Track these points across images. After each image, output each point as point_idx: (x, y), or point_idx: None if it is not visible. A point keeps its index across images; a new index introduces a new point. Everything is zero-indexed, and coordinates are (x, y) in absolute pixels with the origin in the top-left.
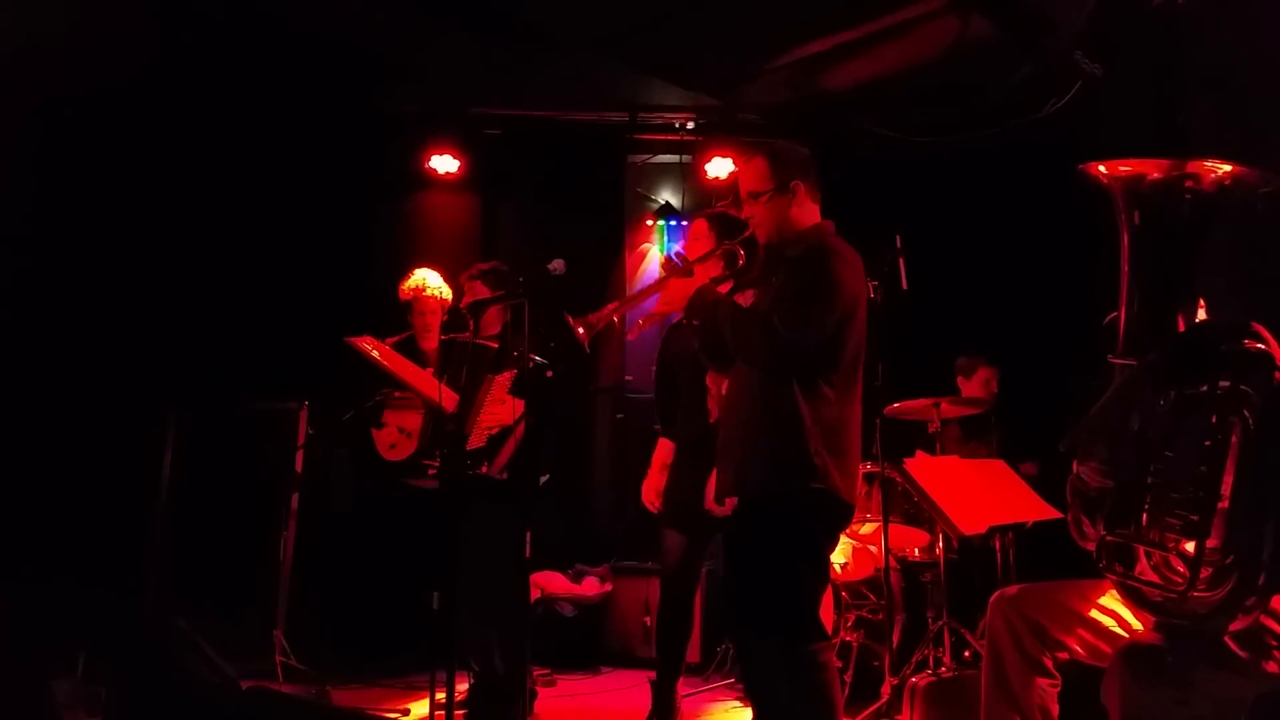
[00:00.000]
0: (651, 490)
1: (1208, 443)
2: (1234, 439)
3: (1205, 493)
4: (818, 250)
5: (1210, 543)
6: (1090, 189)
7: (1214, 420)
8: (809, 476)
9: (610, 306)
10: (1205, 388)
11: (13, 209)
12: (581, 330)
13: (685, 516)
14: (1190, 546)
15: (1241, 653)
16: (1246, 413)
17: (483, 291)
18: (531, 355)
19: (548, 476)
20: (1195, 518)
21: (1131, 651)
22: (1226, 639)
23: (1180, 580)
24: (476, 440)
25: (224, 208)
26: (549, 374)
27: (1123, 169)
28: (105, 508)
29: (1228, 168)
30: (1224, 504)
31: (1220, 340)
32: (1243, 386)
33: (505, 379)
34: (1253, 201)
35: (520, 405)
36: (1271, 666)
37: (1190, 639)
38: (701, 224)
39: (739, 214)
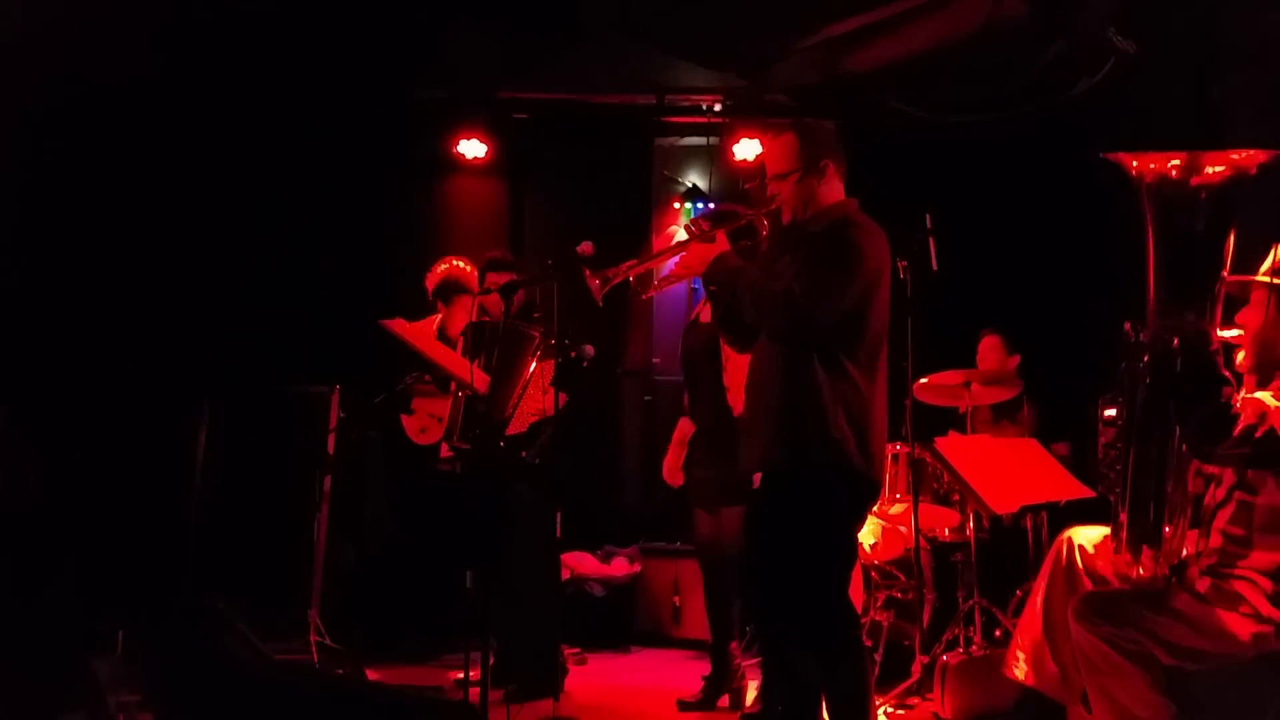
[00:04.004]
0: (669, 466)
1: (1115, 412)
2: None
3: (1115, 454)
4: (840, 223)
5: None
6: (1119, 171)
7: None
8: (829, 450)
9: (627, 263)
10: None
11: (49, 197)
12: (596, 283)
13: (704, 497)
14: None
15: (1197, 608)
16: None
17: (497, 280)
18: (570, 342)
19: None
20: (1111, 475)
21: (1087, 598)
22: (1184, 594)
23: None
24: (518, 426)
25: (255, 193)
26: (585, 364)
27: (1135, 163)
28: (141, 491)
29: (1244, 154)
30: None
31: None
32: (1122, 367)
33: (550, 367)
34: None
35: (561, 396)
36: (1241, 628)
37: (1145, 589)
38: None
39: (765, 198)
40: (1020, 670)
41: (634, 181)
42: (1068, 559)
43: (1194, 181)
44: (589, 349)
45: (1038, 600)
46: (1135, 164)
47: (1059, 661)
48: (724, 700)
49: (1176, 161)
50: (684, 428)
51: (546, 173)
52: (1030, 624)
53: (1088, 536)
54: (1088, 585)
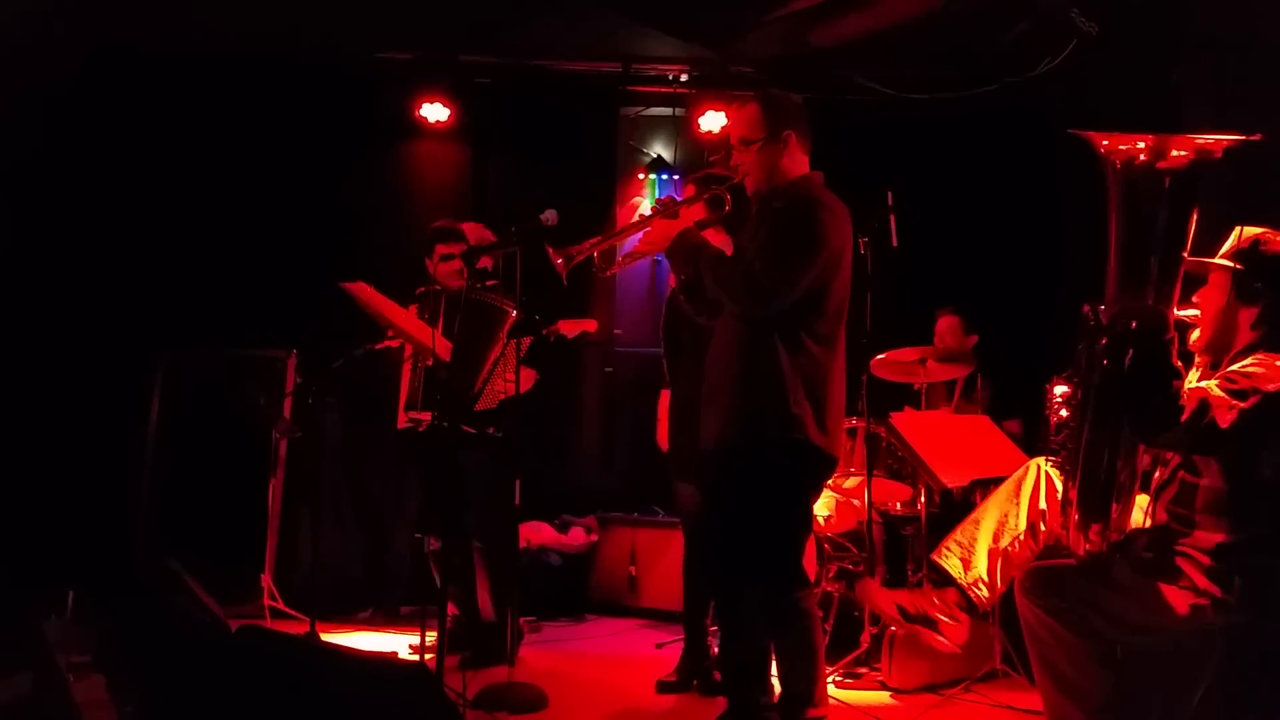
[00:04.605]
0: (663, 435)
1: (1069, 390)
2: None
3: (1068, 432)
4: (804, 201)
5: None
6: (1083, 150)
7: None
8: (788, 427)
9: (591, 241)
10: (1080, 347)
11: (3, 157)
12: (560, 261)
13: (691, 467)
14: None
15: (1139, 581)
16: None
17: (447, 250)
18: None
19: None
20: (1062, 458)
21: (1032, 572)
22: (1127, 568)
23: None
24: (488, 402)
25: (214, 154)
26: (553, 339)
27: (1105, 142)
28: (94, 453)
29: (1210, 139)
30: None
31: (1096, 308)
32: (1080, 348)
33: (524, 345)
34: None
35: (533, 374)
36: (1180, 601)
37: (1091, 563)
38: (691, 188)
39: (729, 166)
40: (948, 562)
41: (599, 150)
42: (1031, 486)
43: (1160, 165)
44: (591, 324)
45: (990, 507)
46: (1105, 143)
47: (988, 569)
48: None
49: (1143, 144)
50: (667, 399)
51: (510, 139)
52: (971, 526)
53: (1056, 471)
54: (1040, 528)
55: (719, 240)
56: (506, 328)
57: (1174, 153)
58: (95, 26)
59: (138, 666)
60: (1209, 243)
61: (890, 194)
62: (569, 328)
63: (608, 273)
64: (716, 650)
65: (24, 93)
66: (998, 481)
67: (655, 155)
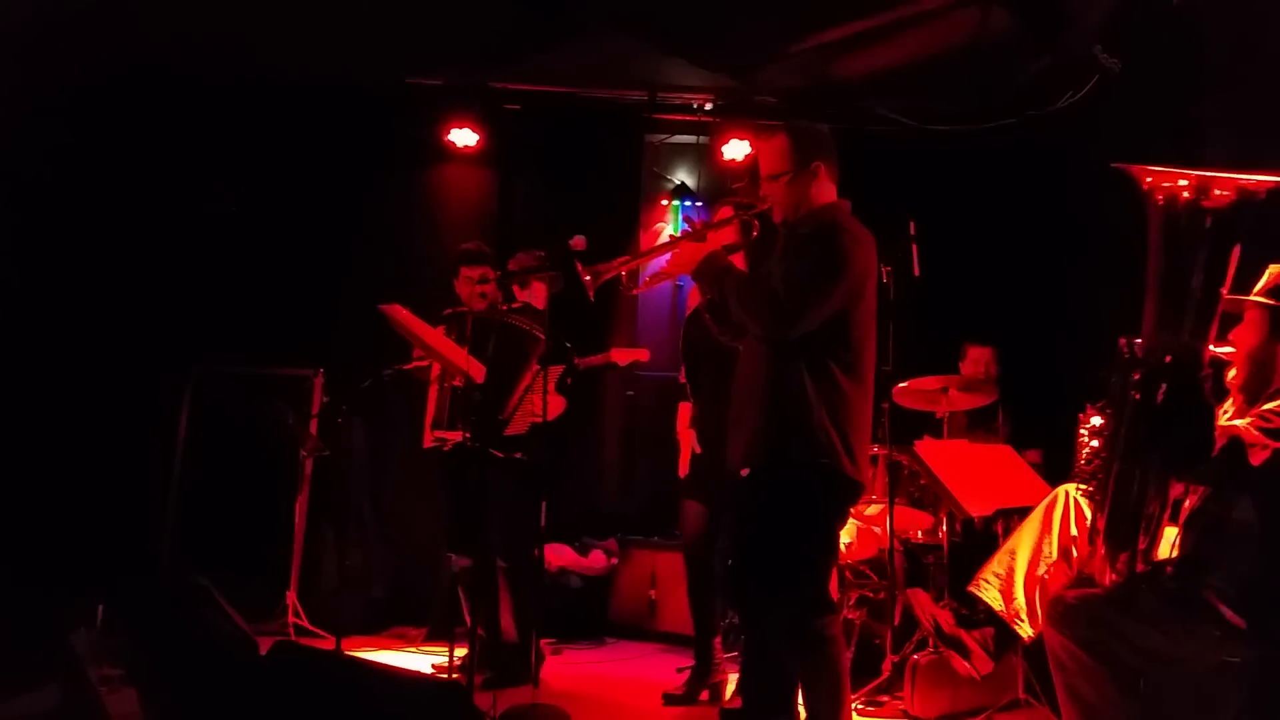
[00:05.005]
0: (684, 458)
1: (1103, 421)
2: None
3: (1100, 462)
4: (829, 227)
5: None
6: (1106, 183)
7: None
8: (815, 451)
9: (619, 259)
10: (1114, 379)
11: (37, 172)
12: (589, 278)
13: (706, 490)
14: None
15: (1166, 613)
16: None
17: (470, 274)
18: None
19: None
20: (1092, 487)
21: (1058, 601)
22: (1154, 599)
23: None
24: (517, 427)
25: (246, 174)
26: (580, 370)
27: (1149, 179)
28: (122, 468)
29: (1254, 179)
30: None
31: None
32: (1113, 380)
33: (557, 372)
34: None
35: (562, 401)
36: (1206, 634)
37: (1117, 593)
38: (726, 210)
39: (756, 196)
40: (987, 594)
41: (624, 176)
42: (1061, 513)
43: (1204, 203)
44: (644, 354)
45: (1023, 536)
46: (1149, 179)
47: (1027, 599)
48: (705, 694)
49: (1186, 182)
50: (684, 412)
51: (537, 164)
52: (1006, 557)
53: (1085, 500)
54: (1072, 553)
55: (744, 266)
56: (537, 354)
57: (1217, 192)
58: (135, 50)
59: (170, 681)
60: (1240, 279)
61: (912, 224)
62: (621, 356)
63: (633, 291)
64: (735, 669)
65: (59, 110)
66: (1021, 511)
67: (679, 182)
